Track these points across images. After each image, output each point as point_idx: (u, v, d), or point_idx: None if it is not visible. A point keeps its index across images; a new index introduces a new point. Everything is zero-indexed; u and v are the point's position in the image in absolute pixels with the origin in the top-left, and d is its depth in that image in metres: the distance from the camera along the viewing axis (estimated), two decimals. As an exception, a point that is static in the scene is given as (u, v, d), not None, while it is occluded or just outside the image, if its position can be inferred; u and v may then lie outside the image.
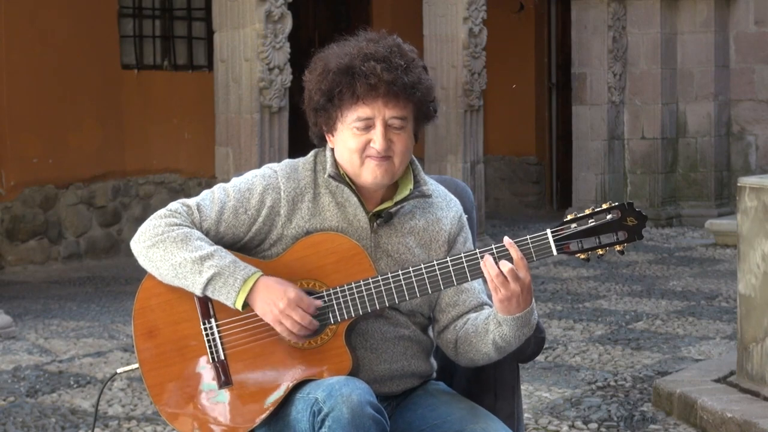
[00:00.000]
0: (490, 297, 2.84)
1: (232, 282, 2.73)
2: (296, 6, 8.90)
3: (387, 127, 2.81)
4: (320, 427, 2.62)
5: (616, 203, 2.72)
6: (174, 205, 2.85)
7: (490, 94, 12.18)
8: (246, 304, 2.75)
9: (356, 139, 2.82)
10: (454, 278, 2.75)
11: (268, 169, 2.91)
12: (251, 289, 2.73)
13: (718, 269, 9.59)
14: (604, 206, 2.73)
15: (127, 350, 6.56)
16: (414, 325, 2.91)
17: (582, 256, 2.73)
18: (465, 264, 2.74)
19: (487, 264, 2.70)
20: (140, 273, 2.87)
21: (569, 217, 2.73)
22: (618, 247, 2.72)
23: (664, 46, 12.48)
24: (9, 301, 8.09)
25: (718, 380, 5.36)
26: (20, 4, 9.82)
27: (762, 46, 12.55)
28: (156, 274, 2.80)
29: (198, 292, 2.76)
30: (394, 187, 2.91)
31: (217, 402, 2.80)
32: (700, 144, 12.67)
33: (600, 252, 2.72)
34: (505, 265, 2.68)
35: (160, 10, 11.07)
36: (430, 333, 2.98)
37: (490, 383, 3.06)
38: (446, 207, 2.96)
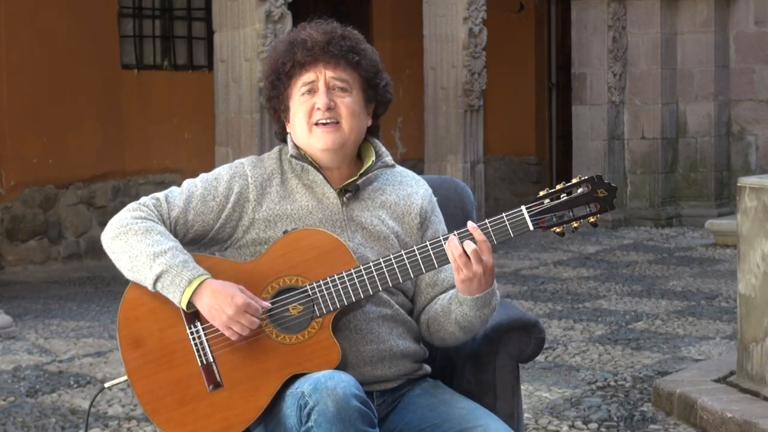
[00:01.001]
0: None
1: (178, 281, 2.76)
2: (296, 6, 8.90)
3: (330, 88, 2.91)
4: (307, 421, 2.64)
5: (586, 177, 2.80)
6: (144, 198, 2.91)
7: (490, 94, 12.18)
8: (192, 305, 2.78)
9: (303, 107, 2.92)
10: (435, 261, 2.80)
11: (235, 161, 3.00)
12: (196, 291, 2.76)
13: (718, 269, 9.59)
14: (575, 180, 2.80)
15: (127, 350, 6.55)
16: (398, 305, 2.94)
17: (557, 230, 2.79)
18: (444, 247, 2.79)
19: (451, 245, 2.76)
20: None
21: (542, 193, 2.80)
22: (591, 219, 2.80)
23: (664, 46, 12.49)
24: (9, 301, 8.09)
25: (718, 380, 5.36)
26: (20, 4, 9.82)
27: (762, 46, 12.55)
28: (117, 266, 2.85)
29: (149, 287, 2.79)
30: (357, 164, 3.00)
31: (209, 405, 2.80)
32: (700, 144, 12.67)
33: (574, 225, 2.79)
34: (468, 246, 2.75)
35: (160, 10, 11.07)
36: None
37: (490, 383, 3.06)
38: (416, 185, 3.05)
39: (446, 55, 10.15)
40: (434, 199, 3.07)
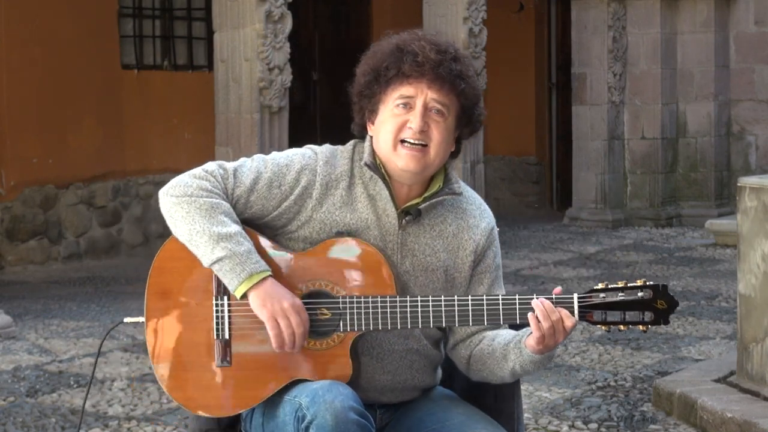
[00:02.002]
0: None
1: (239, 271, 2.72)
2: (296, 6, 8.90)
3: (427, 109, 2.80)
4: None
5: (651, 283, 2.71)
6: (211, 166, 2.85)
7: (490, 94, 12.17)
8: (245, 296, 2.74)
9: (394, 120, 2.80)
10: (485, 318, 2.75)
11: (308, 149, 2.90)
12: (255, 285, 2.72)
13: (718, 269, 9.59)
14: (638, 283, 2.72)
15: (127, 350, 6.56)
16: (426, 338, 2.88)
17: (603, 328, 2.72)
18: (501, 306, 2.74)
19: (540, 314, 2.69)
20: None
21: (599, 286, 2.72)
22: (642, 327, 2.71)
23: (664, 46, 12.49)
24: (9, 301, 8.09)
25: (718, 380, 5.36)
26: (20, 4, 9.82)
27: (762, 46, 12.55)
28: (172, 230, 2.80)
29: (205, 264, 2.75)
30: (425, 185, 2.89)
31: (211, 379, 2.79)
32: (700, 144, 12.67)
33: (622, 328, 2.71)
34: (561, 320, 2.69)
35: (160, 10, 11.08)
36: (441, 347, 2.96)
37: (491, 384, 3.06)
38: (479, 216, 2.94)
39: (446, 55, 10.13)
40: (495, 230, 2.96)
